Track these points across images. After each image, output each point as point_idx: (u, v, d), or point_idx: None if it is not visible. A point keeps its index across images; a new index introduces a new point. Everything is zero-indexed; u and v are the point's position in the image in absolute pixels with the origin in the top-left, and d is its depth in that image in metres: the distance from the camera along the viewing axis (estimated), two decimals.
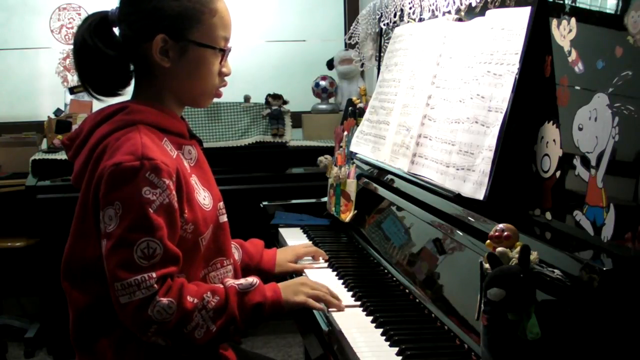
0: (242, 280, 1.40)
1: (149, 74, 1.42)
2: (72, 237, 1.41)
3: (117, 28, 1.42)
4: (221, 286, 1.38)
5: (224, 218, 1.49)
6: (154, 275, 1.27)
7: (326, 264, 1.79)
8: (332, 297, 1.46)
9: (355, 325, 1.38)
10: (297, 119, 3.55)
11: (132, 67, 1.44)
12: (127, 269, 1.27)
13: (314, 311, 1.46)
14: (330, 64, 3.66)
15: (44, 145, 3.44)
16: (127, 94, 1.47)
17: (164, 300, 1.28)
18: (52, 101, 3.66)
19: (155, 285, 1.27)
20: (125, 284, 1.26)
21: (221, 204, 1.49)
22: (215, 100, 1.51)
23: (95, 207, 1.33)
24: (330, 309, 1.44)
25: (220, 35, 1.41)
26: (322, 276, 1.66)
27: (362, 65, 2.64)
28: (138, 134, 1.33)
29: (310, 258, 1.81)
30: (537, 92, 1.30)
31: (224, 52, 1.43)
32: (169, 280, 1.30)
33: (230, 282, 1.40)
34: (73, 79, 3.72)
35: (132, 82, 1.46)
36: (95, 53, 1.39)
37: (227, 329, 1.34)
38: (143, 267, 1.27)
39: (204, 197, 1.42)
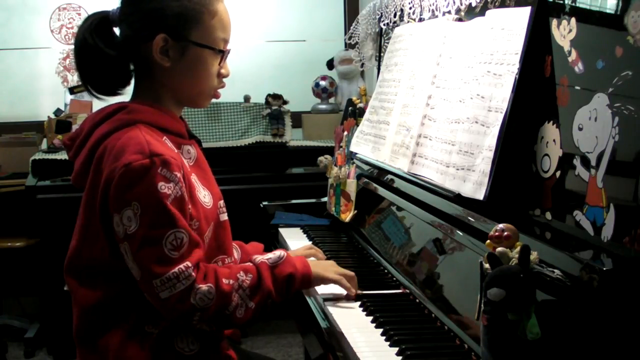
0: (270, 255, 1.45)
1: (149, 73, 1.42)
2: (77, 237, 1.41)
3: (118, 28, 1.42)
4: (251, 264, 1.42)
5: (225, 216, 1.50)
6: (190, 264, 1.30)
7: None
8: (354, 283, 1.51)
9: (355, 325, 1.38)
10: (297, 119, 3.55)
11: (132, 67, 1.44)
12: (163, 264, 1.28)
13: (314, 311, 1.47)
14: (330, 64, 3.66)
15: (44, 145, 3.44)
16: (127, 93, 1.48)
17: (204, 286, 1.31)
18: (52, 101, 3.66)
19: (193, 274, 1.30)
20: (165, 279, 1.28)
21: (221, 202, 1.50)
22: (215, 100, 1.51)
23: (103, 209, 1.33)
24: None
25: (219, 36, 1.42)
26: None
27: (362, 65, 2.65)
28: (140, 133, 1.33)
29: (313, 258, 1.81)
30: (537, 92, 1.30)
31: (223, 53, 1.44)
32: (202, 265, 1.34)
33: (260, 258, 1.44)
34: (73, 79, 3.72)
35: (132, 81, 1.47)
36: (96, 52, 1.39)
37: (264, 303, 1.39)
38: (176, 258, 1.29)
39: (204, 195, 1.43)
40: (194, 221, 1.37)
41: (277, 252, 1.45)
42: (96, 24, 1.40)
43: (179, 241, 1.29)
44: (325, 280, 1.48)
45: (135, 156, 1.29)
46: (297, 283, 1.43)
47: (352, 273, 1.53)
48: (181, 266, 1.29)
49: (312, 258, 1.80)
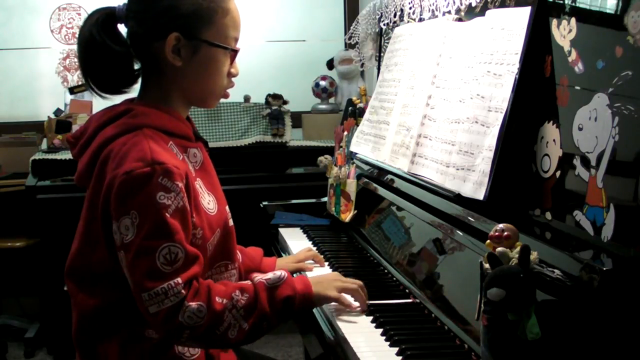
0: (270, 275, 1.38)
1: (158, 72, 1.39)
2: (78, 241, 1.39)
3: (124, 25, 1.39)
4: (249, 282, 1.36)
5: (231, 222, 1.47)
6: (180, 281, 1.26)
7: (326, 264, 1.79)
8: (363, 293, 1.46)
9: (355, 325, 1.38)
10: (297, 119, 3.55)
11: (137, 66, 1.41)
12: (153, 278, 1.25)
13: (314, 310, 1.46)
14: (330, 64, 3.66)
15: (44, 145, 3.44)
16: (132, 90, 1.45)
17: (194, 304, 1.26)
18: (52, 101, 3.66)
19: (183, 291, 1.26)
20: (153, 293, 1.25)
21: (227, 207, 1.48)
22: None
23: (104, 215, 1.30)
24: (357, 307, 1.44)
25: (231, 35, 1.41)
26: None
27: (362, 65, 2.65)
28: (144, 139, 1.30)
29: (311, 261, 1.81)
30: (537, 92, 1.30)
31: (235, 52, 1.42)
32: (195, 282, 1.29)
33: (259, 277, 1.38)
34: (73, 79, 3.72)
35: (139, 81, 1.43)
36: (103, 49, 1.36)
37: (260, 325, 1.32)
38: (168, 273, 1.25)
39: (208, 201, 1.40)
40: (197, 230, 1.34)
41: (278, 273, 1.38)
42: (102, 20, 1.37)
43: (173, 256, 1.25)
44: (328, 300, 1.42)
45: (137, 164, 1.26)
46: (297, 306, 1.36)
47: (358, 284, 1.46)
48: (171, 282, 1.25)
49: (310, 261, 1.81)
